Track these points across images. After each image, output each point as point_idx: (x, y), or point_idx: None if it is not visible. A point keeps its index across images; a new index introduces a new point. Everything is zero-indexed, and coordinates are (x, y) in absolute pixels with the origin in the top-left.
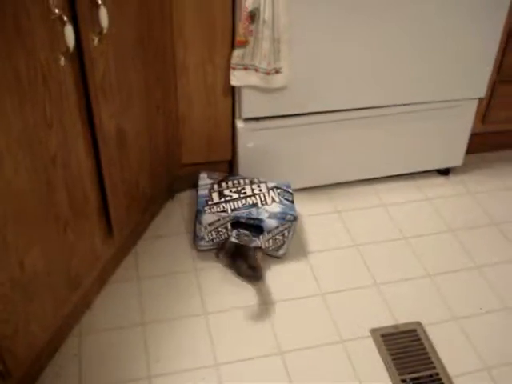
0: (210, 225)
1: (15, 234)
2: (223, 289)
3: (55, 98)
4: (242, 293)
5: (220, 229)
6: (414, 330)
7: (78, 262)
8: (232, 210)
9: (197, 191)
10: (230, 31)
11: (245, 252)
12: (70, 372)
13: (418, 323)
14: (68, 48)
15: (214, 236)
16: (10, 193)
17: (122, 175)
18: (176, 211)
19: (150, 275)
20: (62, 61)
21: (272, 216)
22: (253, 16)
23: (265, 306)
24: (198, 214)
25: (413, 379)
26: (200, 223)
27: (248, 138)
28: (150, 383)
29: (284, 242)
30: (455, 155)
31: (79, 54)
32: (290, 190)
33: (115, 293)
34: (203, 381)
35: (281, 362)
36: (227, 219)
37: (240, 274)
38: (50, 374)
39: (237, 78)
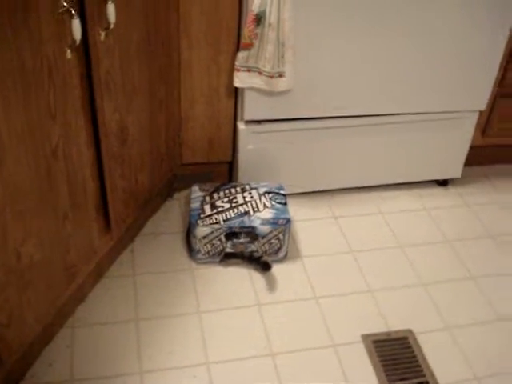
0: (203, 238)
1: (14, 223)
2: (218, 288)
3: (60, 90)
4: (236, 293)
5: (214, 241)
6: (406, 338)
7: (74, 254)
8: (224, 221)
9: (189, 204)
10: (235, 33)
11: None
12: (62, 363)
13: (410, 331)
14: (74, 41)
15: (210, 249)
16: (10, 182)
17: (121, 170)
18: (175, 210)
19: (146, 272)
20: (68, 54)
21: (265, 222)
22: (258, 19)
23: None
24: (191, 228)
25: None
26: (194, 237)
27: (249, 140)
28: (142, 379)
29: (281, 245)
30: (454, 167)
31: (85, 47)
32: (282, 192)
33: (110, 287)
34: (194, 379)
35: (271, 363)
36: (220, 231)
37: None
38: (42, 363)
39: (240, 80)
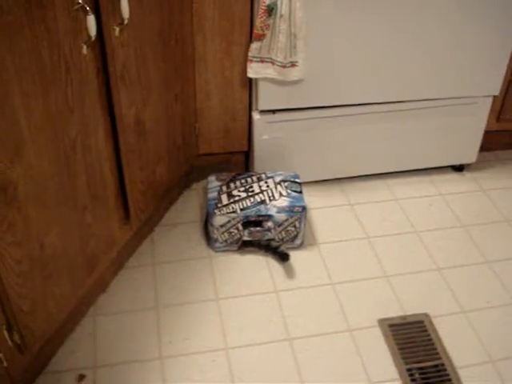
0: (221, 226)
1: (36, 215)
2: (236, 275)
3: (77, 84)
4: (253, 280)
5: (232, 229)
6: (422, 321)
7: (95, 244)
8: (241, 210)
9: (206, 194)
10: (248, 25)
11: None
12: (85, 350)
13: (426, 315)
14: (90, 37)
15: (227, 237)
16: (32, 175)
17: (140, 162)
18: (193, 200)
19: (165, 261)
20: (84, 49)
21: (281, 210)
22: (270, 10)
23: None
24: (208, 217)
25: (418, 369)
26: (212, 225)
27: (264, 130)
28: (162, 363)
29: (297, 232)
30: (469, 152)
31: (101, 43)
32: (297, 181)
33: (131, 277)
34: (213, 363)
35: (289, 347)
36: (237, 219)
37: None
38: (66, 350)
39: (253, 71)
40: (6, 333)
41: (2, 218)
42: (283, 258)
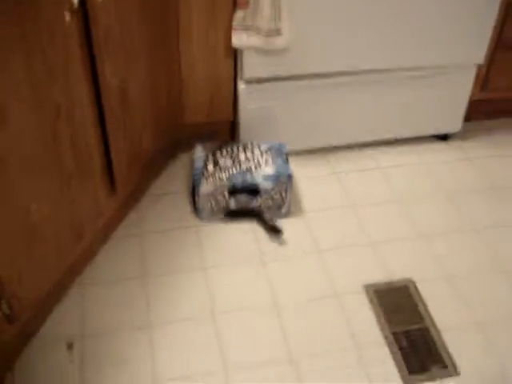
0: (207, 195)
1: (21, 180)
2: (222, 244)
3: (60, 52)
4: (240, 248)
5: (218, 197)
6: (407, 287)
7: (81, 213)
8: (227, 178)
9: (193, 164)
10: None
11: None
12: (73, 318)
13: (410, 280)
14: (72, 4)
15: (214, 205)
16: (16, 140)
17: (124, 132)
18: (179, 170)
19: (152, 231)
20: (68, 16)
21: (267, 178)
22: None
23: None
24: (195, 187)
25: (403, 332)
26: (198, 195)
27: (249, 100)
28: (151, 332)
29: (283, 201)
30: (454, 121)
31: (84, 10)
32: (283, 150)
33: (117, 247)
34: (201, 327)
35: (276, 314)
36: (223, 188)
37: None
38: (54, 320)
39: (238, 39)
40: None
41: None
42: (276, 232)
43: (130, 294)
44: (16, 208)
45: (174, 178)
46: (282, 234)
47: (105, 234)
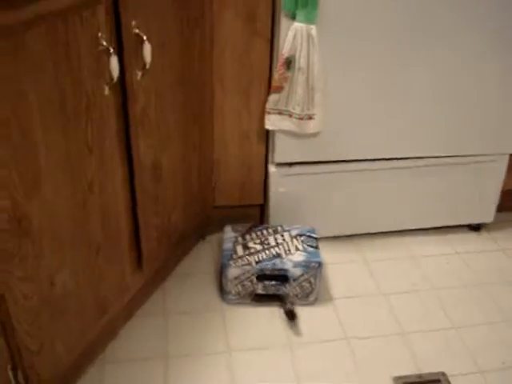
0: (235, 278)
1: (49, 251)
2: (248, 328)
3: (97, 125)
4: (266, 333)
5: (245, 282)
6: (438, 381)
7: (106, 288)
8: (256, 263)
9: (221, 245)
10: (266, 77)
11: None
12: None
13: (443, 373)
14: (112, 78)
15: (240, 289)
16: (48, 210)
17: (155, 208)
18: (207, 251)
19: (177, 311)
20: (106, 90)
21: (296, 265)
22: (289, 63)
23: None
24: (223, 269)
25: None
26: (225, 278)
27: (280, 183)
28: None
29: (312, 288)
30: (486, 211)
31: (122, 85)
32: (314, 236)
33: (141, 325)
34: None
35: None
36: (252, 272)
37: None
38: None
39: (271, 122)
40: (11, 372)
41: (14, 251)
42: (291, 317)
43: (150, 374)
44: (41, 278)
45: (201, 259)
46: (297, 319)
47: (129, 310)
